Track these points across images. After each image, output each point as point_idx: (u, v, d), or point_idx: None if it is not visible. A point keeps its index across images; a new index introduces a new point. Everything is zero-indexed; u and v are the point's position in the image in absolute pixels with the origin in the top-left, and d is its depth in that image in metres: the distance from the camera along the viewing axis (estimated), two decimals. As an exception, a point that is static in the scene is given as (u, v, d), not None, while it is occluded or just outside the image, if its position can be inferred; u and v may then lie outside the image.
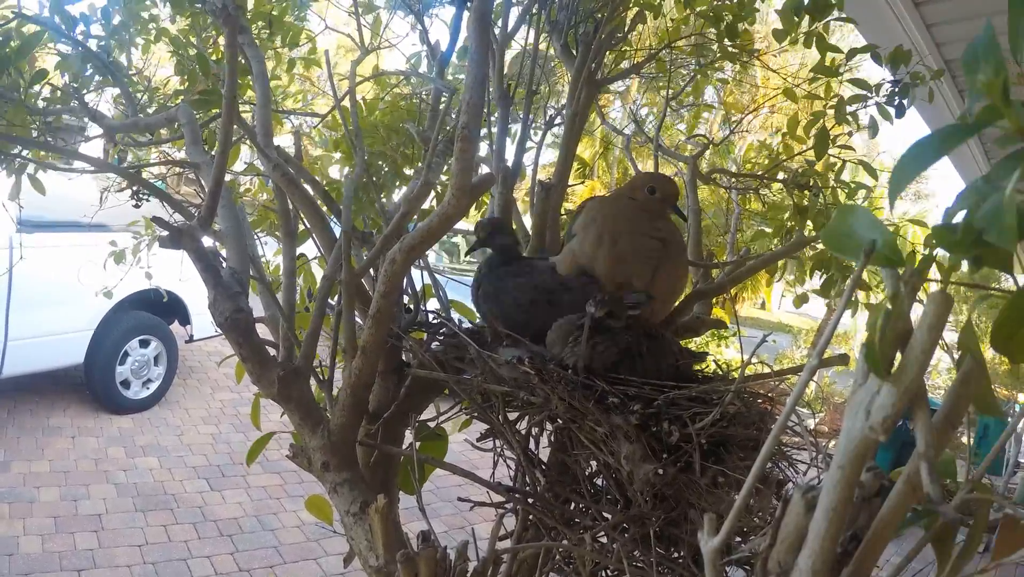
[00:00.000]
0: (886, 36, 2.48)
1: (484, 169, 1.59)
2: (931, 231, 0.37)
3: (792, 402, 0.43)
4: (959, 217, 0.36)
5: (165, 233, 1.07)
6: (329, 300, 1.23)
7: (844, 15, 1.78)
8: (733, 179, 2.19)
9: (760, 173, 2.07)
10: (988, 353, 0.44)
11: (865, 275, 1.78)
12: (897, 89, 1.69)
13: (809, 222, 1.84)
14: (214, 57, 1.98)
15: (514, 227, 1.52)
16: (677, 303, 1.35)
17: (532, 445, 1.18)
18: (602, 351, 1.03)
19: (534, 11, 1.64)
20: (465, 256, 1.36)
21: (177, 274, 4.54)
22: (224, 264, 1.16)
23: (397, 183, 1.90)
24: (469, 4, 1.10)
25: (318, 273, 1.66)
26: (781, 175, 1.98)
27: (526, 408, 1.11)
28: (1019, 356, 0.37)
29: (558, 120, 1.66)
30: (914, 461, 0.41)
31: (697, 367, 1.18)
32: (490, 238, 1.25)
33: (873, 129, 1.75)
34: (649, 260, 1.16)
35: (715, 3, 1.87)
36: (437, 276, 1.48)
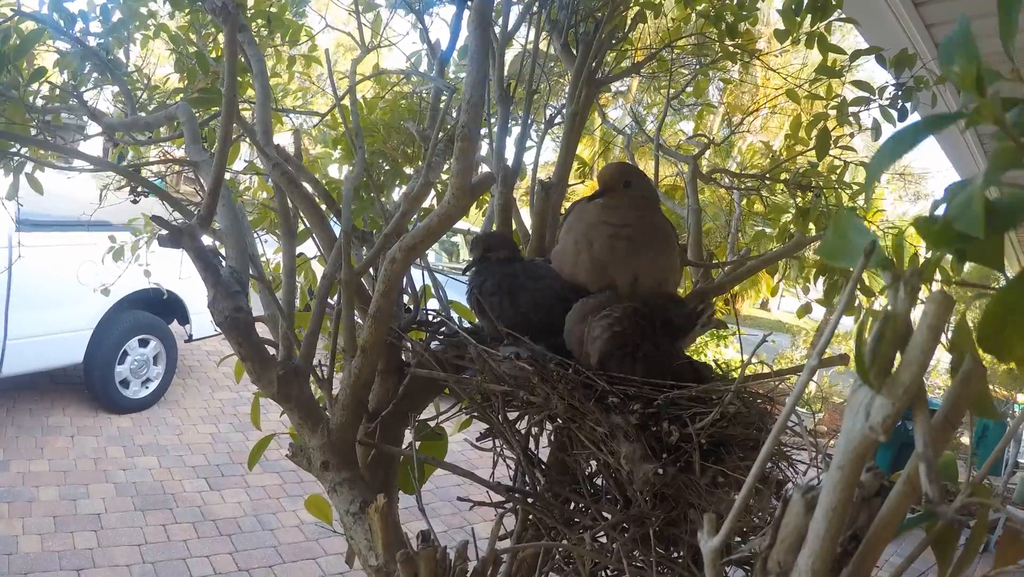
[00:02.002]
0: (886, 36, 2.47)
1: (484, 168, 1.59)
2: (913, 224, 0.38)
3: (792, 402, 0.43)
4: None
5: (164, 232, 1.07)
6: (329, 299, 1.23)
7: (844, 15, 1.78)
8: (734, 179, 2.19)
9: (761, 173, 2.07)
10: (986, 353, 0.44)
11: (867, 279, 1.78)
12: (900, 93, 1.69)
13: (811, 223, 1.83)
14: (213, 55, 1.98)
15: (513, 227, 1.52)
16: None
17: (532, 445, 1.18)
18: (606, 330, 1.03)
19: (534, 10, 1.63)
20: (464, 273, 1.35)
21: (176, 273, 4.56)
22: (224, 263, 1.16)
23: (397, 182, 1.90)
24: (469, 3, 1.09)
25: (318, 272, 1.66)
26: (783, 176, 1.98)
27: (526, 408, 1.10)
28: (1007, 355, 0.36)
29: (558, 119, 1.66)
30: (914, 461, 0.41)
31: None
32: (483, 258, 1.22)
33: (876, 131, 1.75)
34: (623, 258, 1.14)
35: (716, 3, 1.87)
36: (437, 276, 1.48)
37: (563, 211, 1.56)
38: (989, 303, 0.36)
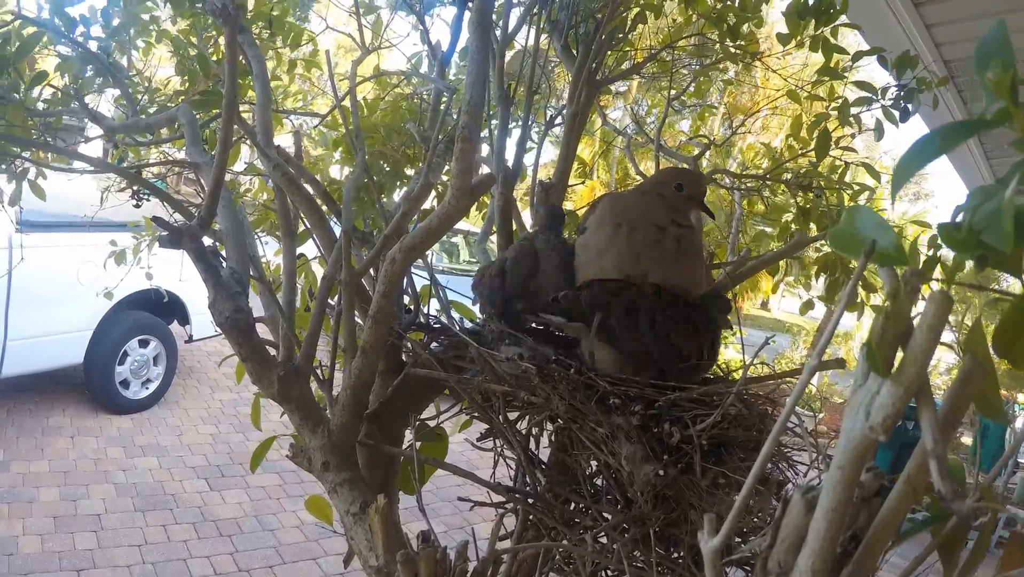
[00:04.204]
0: (886, 36, 2.48)
1: (484, 169, 1.59)
2: (937, 229, 0.38)
3: (792, 403, 0.43)
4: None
5: (165, 233, 1.07)
6: (329, 300, 1.23)
7: (847, 19, 1.78)
8: (735, 180, 2.19)
9: (762, 174, 2.07)
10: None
11: (869, 276, 1.78)
12: (902, 94, 1.69)
13: (812, 223, 1.83)
14: (214, 57, 1.99)
15: (514, 228, 1.52)
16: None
17: (532, 445, 1.18)
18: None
19: (534, 11, 1.64)
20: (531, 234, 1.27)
21: (177, 274, 4.56)
22: (224, 264, 1.16)
23: (398, 183, 1.90)
24: (470, 4, 1.09)
25: (318, 273, 1.66)
26: (783, 176, 1.98)
27: (526, 408, 1.10)
28: (1022, 361, 0.37)
29: (558, 120, 1.66)
30: (916, 460, 0.41)
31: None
32: (551, 225, 1.19)
33: (878, 132, 1.75)
34: (665, 256, 1.09)
35: (717, 4, 1.87)
36: (437, 276, 1.48)
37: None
38: (1007, 312, 0.37)
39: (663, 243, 1.09)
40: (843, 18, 1.77)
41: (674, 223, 1.11)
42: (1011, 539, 0.49)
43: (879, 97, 1.72)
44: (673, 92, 2.16)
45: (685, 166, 1.88)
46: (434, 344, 1.28)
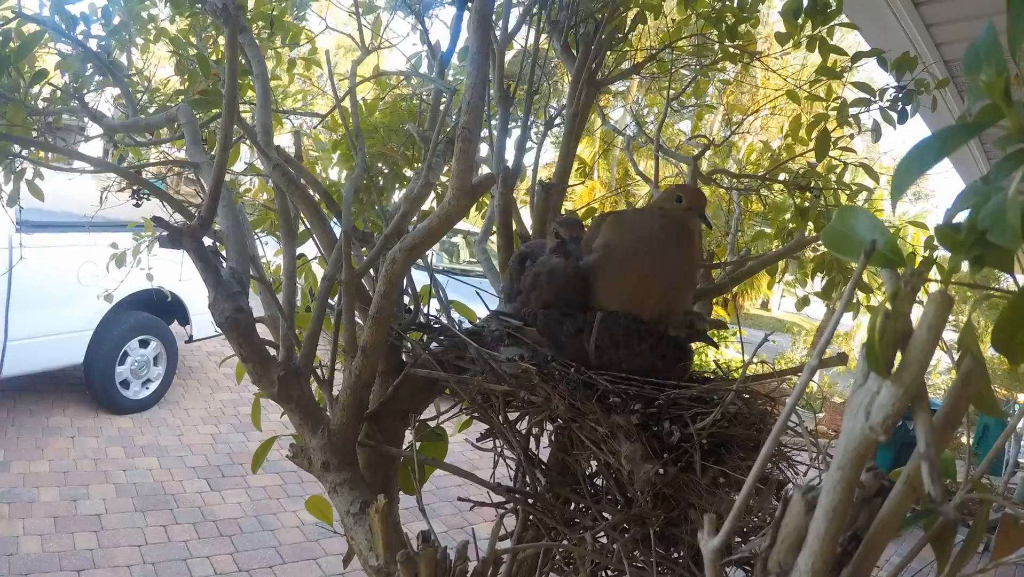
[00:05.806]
0: (886, 36, 2.48)
1: (484, 169, 1.59)
2: (934, 232, 0.38)
3: (792, 402, 0.43)
4: (959, 218, 0.36)
5: (165, 233, 1.07)
6: (329, 300, 1.23)
7: (845, 18, 1.78)
8: (734, 180, 2.19)
9: (761, 174, 2.07)
10: (987, 353, 0.44)
11: (866, 277, 1.78)
12: (901, 95, 1.69)
13: (810, 223, 1.84)
14: (214, 57, 1.99)
15: (514, 228, 1.53)
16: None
17: (532, 445, 1.18)
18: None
19: (534, 11, 1.64)
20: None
21: (177, 274, 4.56)
22: (224, 264, 1.16)
23: (397, 184, 1.90)
24: (469, 4, 1.10)
25: (318, 273, 1.66)
26: (782, 176, 1.98)
27: (526, 408, 1.11)
28: (1020, 357, 0.37)
29: (558, 120, 1.66)
30: (915, 461, 0.41)
31: (696, 367, 1.17)
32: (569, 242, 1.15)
33: (876, 133, 1.75)
34: (668, 282, 1.11)
35: (716, 4, 1.88)
36: (437, 276, 1.48)
37: (563, 211, 1.55)
38: (1005, 308, 0.37)
39: (665, 267, 1.11)
40: (842, 18, 1.77)
41: (675, 242, 1.12)
42: (1001, 528, 0.50)
43: (877, 99, 1.72)
44: (672, 92, 2.17)
45: (684, 167, 1.88)
46: (434, 344, 1.28)
